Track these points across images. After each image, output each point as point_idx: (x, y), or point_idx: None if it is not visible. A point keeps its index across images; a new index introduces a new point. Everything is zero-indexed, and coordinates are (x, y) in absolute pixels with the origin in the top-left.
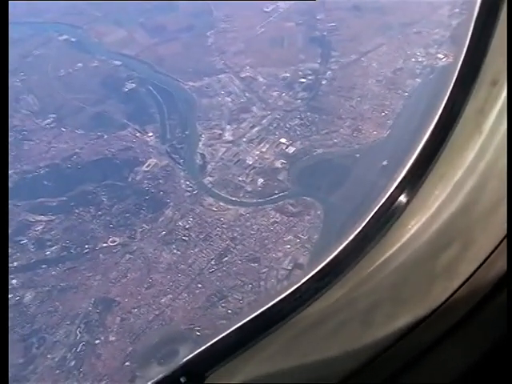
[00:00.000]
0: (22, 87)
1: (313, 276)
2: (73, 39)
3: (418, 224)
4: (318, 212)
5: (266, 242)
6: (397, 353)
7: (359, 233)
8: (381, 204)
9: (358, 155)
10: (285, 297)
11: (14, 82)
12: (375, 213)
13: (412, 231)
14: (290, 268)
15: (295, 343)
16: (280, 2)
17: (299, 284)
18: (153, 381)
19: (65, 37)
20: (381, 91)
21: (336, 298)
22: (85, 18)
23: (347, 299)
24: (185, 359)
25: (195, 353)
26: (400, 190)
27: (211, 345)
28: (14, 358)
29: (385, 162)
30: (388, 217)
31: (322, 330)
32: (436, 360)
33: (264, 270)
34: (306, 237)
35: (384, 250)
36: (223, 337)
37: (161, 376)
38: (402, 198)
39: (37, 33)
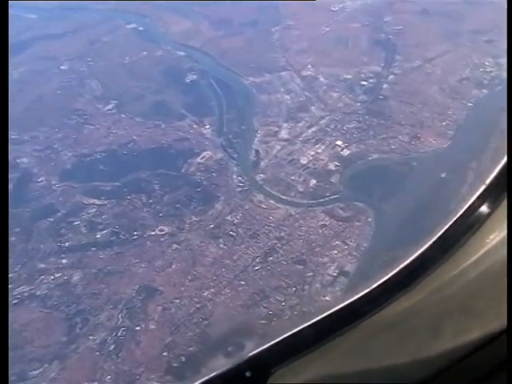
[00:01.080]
0: (88, 72)
1: (387, 280)
2: (140, 28)
3: (498, 238)
4: (369, 219)
5: (313, 244)
6: (466, 367)
7: (437, 240)
8: (461, 213)
9: (414, 164)
10: (358, 298)
11: (80, 66)
12: (455, 221)
13: (491, 244)
14: (335, 274)
15: (364, 346)
16: (348, 2)
17: (373, 287)
18: (217, 372)
19: (133, 25)
20: (444, 100)
21: (408, 305)
22: (153, 7)
23: (419, 306)
24: (251, 353)
25: (262, 348)
26: (481, 200)
27: (279, 341)
28: (58, 335)
29: (443, 175)
30: (468, 227)
31: (391, 334)
32: (506, 380)
33: (309, 274)
34: (354, 244)
35: (460, 260)
36: (292, 334)
37: (226, 368)
38: (484, 209)
39: (106, 20)
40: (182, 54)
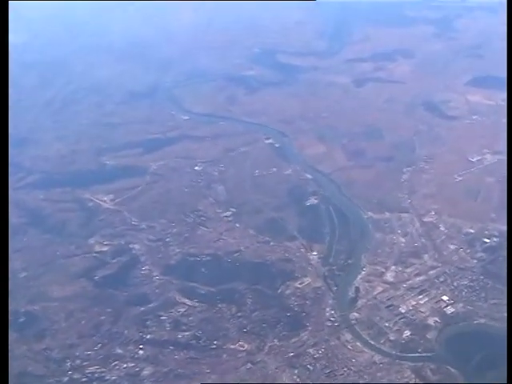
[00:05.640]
0: (217, 177)
1: None
2: (277, 145)
3: None
4: None
5: None
6: None
7: None
8: None
9: None
10: None
11: (212, 170)
12: None
13: None
14: None
15: None
16: (488, 155)
17: None
18: None
19: (270, 141)
20: None
21: None
22: (294, 127)
23: None
24: None
25: None
26: None
27: None
28: None
29: None
30: None
31: None
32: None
33: None
34: None
35: None
36: None
37: None
38: None
39: (248, 132)
40: (310, 176)
